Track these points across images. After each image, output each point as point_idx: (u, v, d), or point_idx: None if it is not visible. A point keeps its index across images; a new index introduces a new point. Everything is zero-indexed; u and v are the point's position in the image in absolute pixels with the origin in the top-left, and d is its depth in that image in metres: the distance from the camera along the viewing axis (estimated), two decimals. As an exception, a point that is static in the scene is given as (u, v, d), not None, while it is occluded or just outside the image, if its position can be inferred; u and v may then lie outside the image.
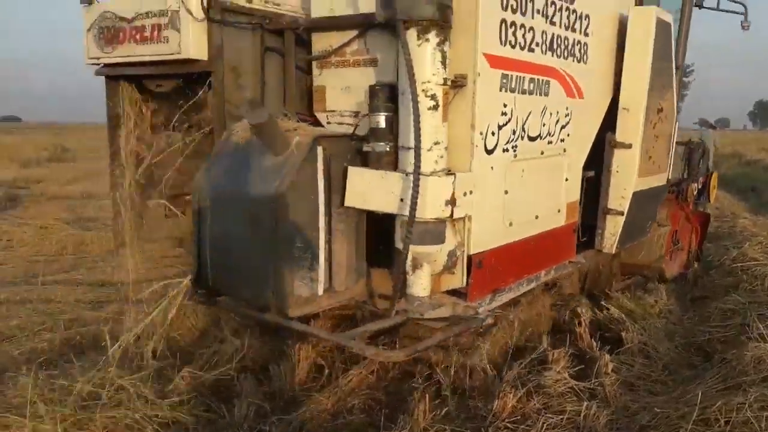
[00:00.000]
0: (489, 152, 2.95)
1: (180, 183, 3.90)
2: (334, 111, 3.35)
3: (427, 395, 3.04)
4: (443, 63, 2.66)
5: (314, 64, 3.38)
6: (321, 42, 3.32)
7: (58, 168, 17.31)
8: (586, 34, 3.66)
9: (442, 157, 2.74)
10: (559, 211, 3.70)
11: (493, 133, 2.95)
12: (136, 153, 3.90)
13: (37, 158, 19.84)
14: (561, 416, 2.95)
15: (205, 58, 3.21)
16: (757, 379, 3.17)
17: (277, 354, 3.67)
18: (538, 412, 3.00)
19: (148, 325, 3.61)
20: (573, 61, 3.55)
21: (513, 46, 2.99)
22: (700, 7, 5.47)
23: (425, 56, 2.61)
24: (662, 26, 3.98)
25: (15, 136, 31.00)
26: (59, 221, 8.18)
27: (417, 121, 2.55)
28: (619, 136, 4.05)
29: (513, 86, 3.03)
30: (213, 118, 3.33)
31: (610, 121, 4.09)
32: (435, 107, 2.66)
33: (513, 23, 2.95)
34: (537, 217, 3.47)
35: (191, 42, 3.15)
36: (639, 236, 4.76)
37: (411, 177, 2.64)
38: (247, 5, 3.36)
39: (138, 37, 3.37)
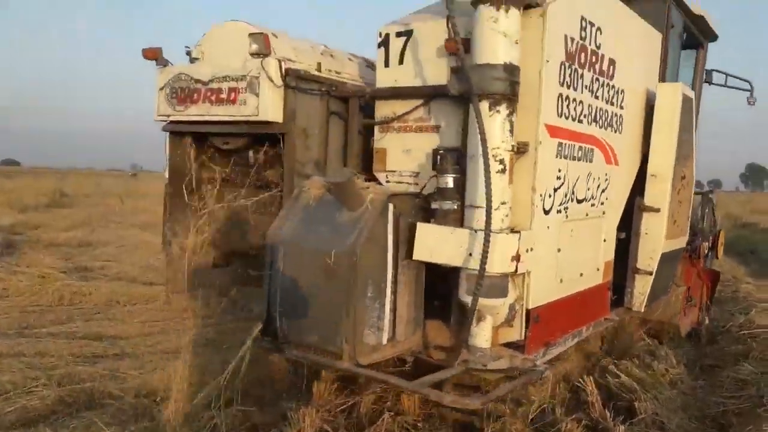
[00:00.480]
0: (546, 212, 3.20)
1: (230, 235, 4.10)
2: (394, 171, 3.59)
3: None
4: (511, 131, 2.93)
5: (376, 128, 3.64)
6: (384, 108, 3.60)
7: (56, 214, 17.03)
8: (621, 107, 3.98)
9: (507, 215, 2.97)
10: (598, 269, 3.93)
11: (549, 196, 3.21)
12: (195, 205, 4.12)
13: (35, 204, 19.69)
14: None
15: (280, 120, 3.47)
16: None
17: (281, 419, 3.64)
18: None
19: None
20: (611, 131, 3.86)
21: (567, 118, 3.28)
22: (710, 83, 5.90)
23: (496, 126, 2.88)
24: (686, 101, 4.33)
25: (15, 180, 30.73)
26: (55, 270, 8.02)
27: (488, 183, 2.79)
28: (648, 200, 4.32)
29: (566, 153, 3.32)
30: (284, 175, 3.56)
31: (637, 187, 4.38)
32: (503, 171, 2.92)
33: (567, 97, 3.26)
34: (581, 275, 3.69)
35: (269, 106, 3.42)
36: (662, 295, 4.99)
37: (478, 233, 2.87)
38: (317, 73, 3.66)
39: (213, 98, 3.64)
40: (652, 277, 4.38)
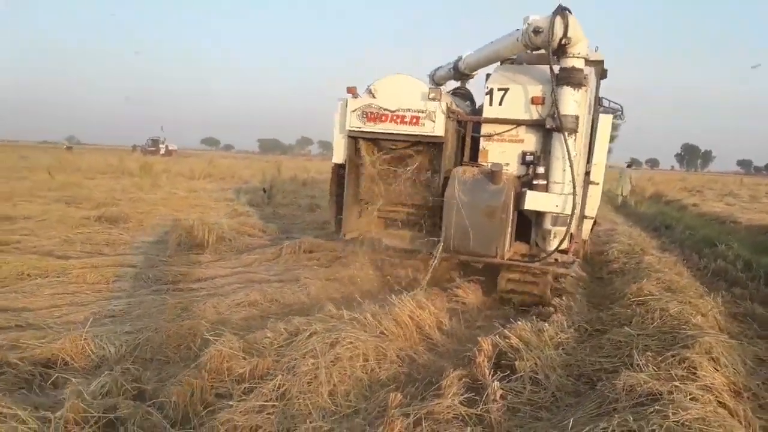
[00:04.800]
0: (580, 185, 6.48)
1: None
2: (493, 163, 6.59)
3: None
4: (575, 147, 6.13)
5: (482, 138, 6.61)
6: (487, 128, 6.58)
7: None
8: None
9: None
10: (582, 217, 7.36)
11: (580, 177, 6.49)
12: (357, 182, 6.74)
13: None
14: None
15: (443, 135, 6.29)
16: (628, 405, 3.49)
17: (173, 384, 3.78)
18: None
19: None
20: (587, 139, 7.25)
21: (586, 137, 6.58)
22: (601, 105, 9.66)
23: (571, 144, 6.06)
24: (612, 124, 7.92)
25: None
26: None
27: (572, 172, 5.97)
28: (593, 178, 7.79)
29: (585, 155, 6.63)
30: (442, 165, 6.36)
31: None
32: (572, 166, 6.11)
33: (588, 128, 6.54)
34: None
35: (442, 127, 6.22)
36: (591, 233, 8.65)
37: (561, 195, 6.05)
38: (452, 108, 6.51)
39: (398, 120, 6.32)
40: (593, 219, 7.95)
